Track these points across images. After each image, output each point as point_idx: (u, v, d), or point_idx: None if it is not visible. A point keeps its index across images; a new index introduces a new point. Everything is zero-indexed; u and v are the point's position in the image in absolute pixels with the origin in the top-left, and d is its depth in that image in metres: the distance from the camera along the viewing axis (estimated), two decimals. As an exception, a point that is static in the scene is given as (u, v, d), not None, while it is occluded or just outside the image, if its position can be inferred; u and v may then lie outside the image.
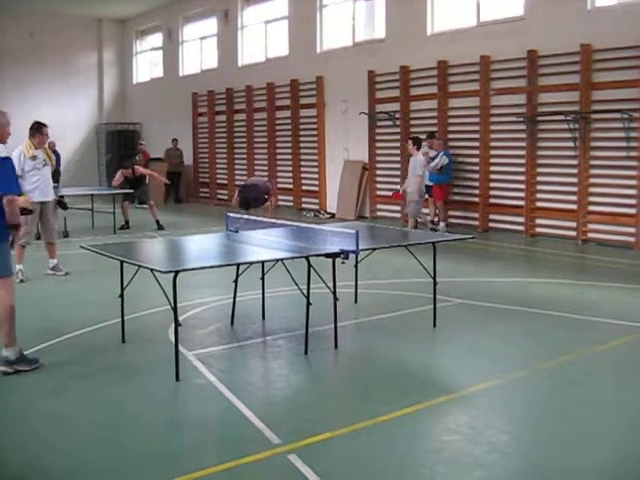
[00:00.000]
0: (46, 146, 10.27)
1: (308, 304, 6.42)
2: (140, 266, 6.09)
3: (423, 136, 14.59)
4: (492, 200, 14.68)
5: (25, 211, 6.21)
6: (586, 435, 4.82)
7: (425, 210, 15.03)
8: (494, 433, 4.78)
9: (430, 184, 14.72)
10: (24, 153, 9.76)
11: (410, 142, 13.17)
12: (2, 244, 5.87)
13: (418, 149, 13.05)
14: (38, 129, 9.97)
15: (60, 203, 11.35)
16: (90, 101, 27.14)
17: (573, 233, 13.16)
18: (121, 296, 6.87)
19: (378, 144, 17.08)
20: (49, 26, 25.33)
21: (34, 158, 9.84)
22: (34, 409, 5.30)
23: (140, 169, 15.89)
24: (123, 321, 6.98)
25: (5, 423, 5.03)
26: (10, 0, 22.81)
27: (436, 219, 15.01)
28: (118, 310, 6.97)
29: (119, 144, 25.72)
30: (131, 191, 15.42)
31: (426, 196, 14.92)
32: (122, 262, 6.52)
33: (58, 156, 17.95)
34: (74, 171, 24.85)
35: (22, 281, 9.75)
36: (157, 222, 15.42)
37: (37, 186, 9.84)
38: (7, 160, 5.82)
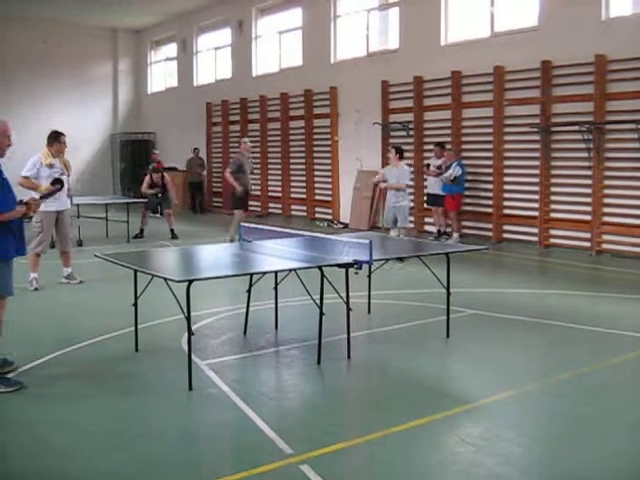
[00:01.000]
0: (64, 156, 10.28)
1: (321, 314, 6.41)
2: (154, 275, 6.10)
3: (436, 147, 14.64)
4: (506, 211, 14.64)
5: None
6: (601, 448, 4.78)
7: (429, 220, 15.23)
8: (508, 445, 4.75)
9: (442, 194, 14.73)
10: (41, 160, 9.84)
11: (393, 151, 12.66)
12: (3, 264, 5.80)
13: (401, 158, 12.52)
14: (56, 138, 10.05)
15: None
16: (105, 111, 27.29)
17: (587, 244, 13.10)
18: (135, 305, 6.88)
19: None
20: (65, 36, 25.51)
21: (51, 166, 9.90)
22: (47, 417, 5.31)
23: (168, 177, 16.12)
24: (137, 330, 6.99)
25: (18, 431, 5.04)
26: (26, 9, 22.95)
27: (449, 229, 15.00)
28: (132, 319, 6.99)
29: (133, 153, 25.85)
30: (148, 199, 15.60)
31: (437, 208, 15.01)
32: (136, 271, 6.54)
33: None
34: (88, 180, 24.94)
35: (36, 289, 9.81)
36: (172, 231, 15.49)
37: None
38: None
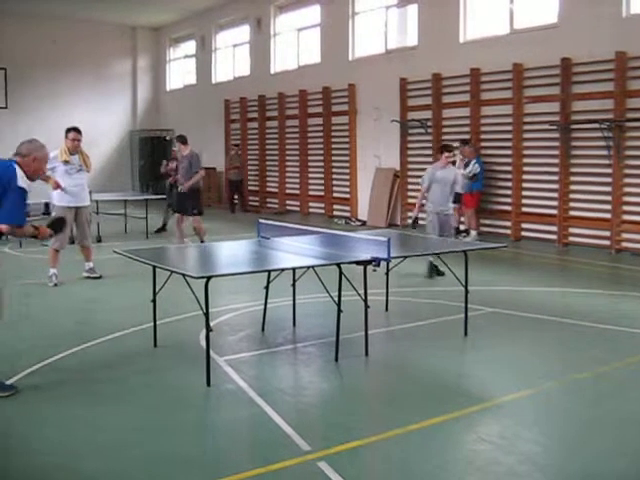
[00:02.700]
0: (84, 151, 10.33)
1: (339, 311, 6.41)
2: (172, 271, 6.13)
3: (456, 144, 14.56)
4: (524, 209, 14.57)
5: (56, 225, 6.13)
6: (620, 447, 4.75)
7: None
8: (526, 443, 4.73)
9: (461, 192, 14.65)
10: (58, 156, 9.92)
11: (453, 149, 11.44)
12: None
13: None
14: (65, 133, 10.12)
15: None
16: (124, 107, 27.43)
17: (607, 242, 13.01)
18: (153, 301, 6.91)
19: (410, 152, 17.05)
20: (84, 33, 25.66)
21: (66, 163, 9.97)
22: (67, 413, 5.34)
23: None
24: (155, 326, 7.02)
25: (39, 427, 5.08)
26: (45, 7, 23.11)
27: (462, 227, 14.96)
28: (150, 315, 7.02)
29: (152, 150, 25.96)
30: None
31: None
32: (154, 267, 6.57)
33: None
34: (107, 177, 25.10)
35: (56, 285, 9.87)
36: (195, 228, 15.44)
37: (69, 191, 9.97)
38: (22, 191, 5.57)
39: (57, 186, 9.89)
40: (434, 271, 10.38)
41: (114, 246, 11.30)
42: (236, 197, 21.81)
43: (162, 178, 15.91)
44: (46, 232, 5.96)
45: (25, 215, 5.66)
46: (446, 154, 10.70)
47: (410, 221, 10.74)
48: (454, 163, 14.86)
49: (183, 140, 13.03)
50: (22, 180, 5.55)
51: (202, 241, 12.50)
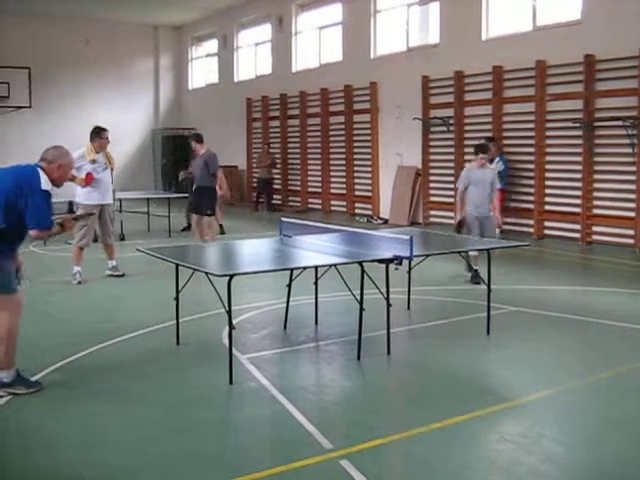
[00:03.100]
0: (107, 150, 10.44)
1: (361, 309, 6.42)
2: (195, 269, 6.16)
3: (482, 141, 14.48)
4: (547, 207, 14.48)
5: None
6: (644, 447, 4.73)
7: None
8: (548, 443, 4.71)
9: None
10: (85, 155, 10.02)
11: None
12: (2, 260, 5.56)
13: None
14: (98, 133, 10.24)
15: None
16: (146, 106, 27.56)
17: (631, 241, 12.91)
18: (176, 299, 6.95)
19: (432, 149, 17.01)
20: (106, 33, 25.79)
21: (94, 162, 10.10)
22: (90, 410, 5.39)
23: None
24: (178, 324, 7.06)
25: (66, 423, 5.13)
26: (67, 7, 23.27)
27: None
28: (173, 313, 7.06)
29: (174, 149, 26.00)
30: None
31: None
32: (177, 265, 6.61)
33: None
34: (130, 175, 25.23)
35: (79, 283, 9.95)
36: (220, 226, 15.53)
37: (96, 188, 10.08)
38: (46, 194, 5.59)
39: (89, 181, 9.96)
40: (474, 276, 9.83)
41: (137, 244, 11.38)
42: (262, 195, 21.61)
43: (181, 185, 15.95)
44: (70, 222, 6.02)
45: (51, 218, 5.69)
46: (481, 155, 10.24)
47: (455, 224, 10.36)
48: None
49: (198, 139, 12.98)
50: (46, 184, 5.58)
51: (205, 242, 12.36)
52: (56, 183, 5.76)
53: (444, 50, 16.44)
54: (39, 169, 5.62)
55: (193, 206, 13.20)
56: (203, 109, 26.24)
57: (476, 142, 14.86)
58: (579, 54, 13.39)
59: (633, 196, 12.81)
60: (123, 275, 10.45)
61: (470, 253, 9.55)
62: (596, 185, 13.60)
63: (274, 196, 22.02)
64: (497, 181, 10.62)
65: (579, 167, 13.66)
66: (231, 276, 5.69)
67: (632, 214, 12.85)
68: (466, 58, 15.74)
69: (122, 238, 14.18)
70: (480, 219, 10.10)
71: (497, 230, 10.77)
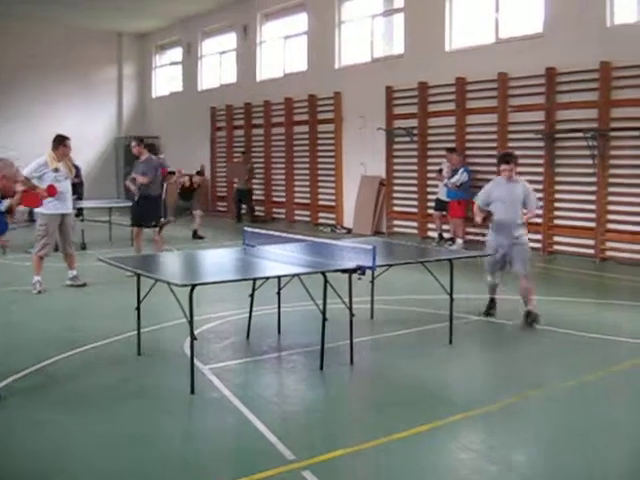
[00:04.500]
0: (68, 159, 10.31)
1: (324, 319, 6.41)
2: (157, 279, 6.10)
3: (443, 152, 14.60)
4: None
5: None
6: (605, 455, 4.76)
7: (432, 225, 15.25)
8: (511, 452, 4.74)
9: (447, 200, 14.73)
10: (48, 163, 9.87)
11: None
12: None
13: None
14: (61, 141, 10.10)
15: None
16: (109, 114, 27.33)
17: (591, 251, 13.07)
18: (137, 309, 6.89)
19: (395, 160, 17.08)
20: (70, 39, 25.51)
21: (56, 170, 9.95)
22: (48, 419, 5.31)
23: (196, 178, 16.74)
24: (139, 334, 6.99)
25: (24, 434, 5.04)
26: (30, 11, 22.98)
27: (448, 235, 15.02)
28: (134, 323, 6.99)
29: (137, 157, 25.76)
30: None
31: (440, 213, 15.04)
32: (139, 275, 6.55)
33: (78, 169, 17.96)
34: (92, 184, 24.92)
35: (40, 292, 9.82)
36: (195, 232, 15.89)
37: (58, 198, 9.92)
38: None
39: (52, 193, 9.41)
40: (492, 308, 8.65)
41: (99, 253, 11.25)
42: (244, 207, 21.00)
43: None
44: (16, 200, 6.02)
45: (4, 225, 5.64)
46: (503, 166, 8.45)
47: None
48: (440, 171, 14.97)
49: (140, 142, 12.98)
50: None
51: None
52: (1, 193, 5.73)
53: (408, 61, 16.53)
54: None
55: (135, 218, 12.03)
56: (167, 117, 26.10)
57: (440, 152, 15.10)
58: (541, 66, 13.56)
59: (593, 207, 12.99)
60: (84, 285, 10.33)
61: (488, 280, 8.54)
62: (557, 196, 13.75)
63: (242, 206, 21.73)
64: (535, 201, 8.61)
65: (540, 178, 13.80)
66: (193, 286, 5.65)
67: (592, 224, 13.01)
68: (430, 69, 15.85)
69: (83, 247, 14.01)
70: (505, 247, 8.33)
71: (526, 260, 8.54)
